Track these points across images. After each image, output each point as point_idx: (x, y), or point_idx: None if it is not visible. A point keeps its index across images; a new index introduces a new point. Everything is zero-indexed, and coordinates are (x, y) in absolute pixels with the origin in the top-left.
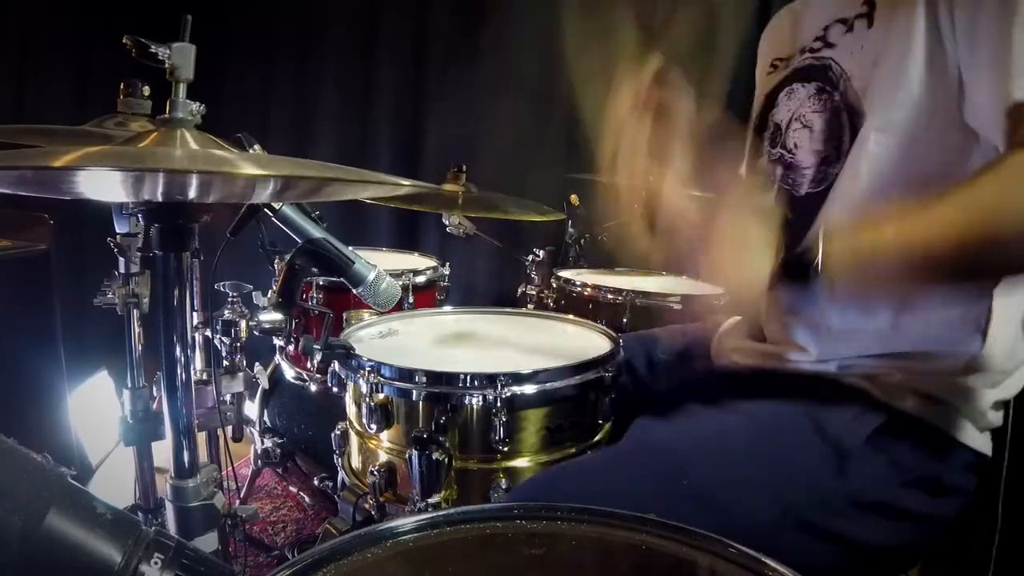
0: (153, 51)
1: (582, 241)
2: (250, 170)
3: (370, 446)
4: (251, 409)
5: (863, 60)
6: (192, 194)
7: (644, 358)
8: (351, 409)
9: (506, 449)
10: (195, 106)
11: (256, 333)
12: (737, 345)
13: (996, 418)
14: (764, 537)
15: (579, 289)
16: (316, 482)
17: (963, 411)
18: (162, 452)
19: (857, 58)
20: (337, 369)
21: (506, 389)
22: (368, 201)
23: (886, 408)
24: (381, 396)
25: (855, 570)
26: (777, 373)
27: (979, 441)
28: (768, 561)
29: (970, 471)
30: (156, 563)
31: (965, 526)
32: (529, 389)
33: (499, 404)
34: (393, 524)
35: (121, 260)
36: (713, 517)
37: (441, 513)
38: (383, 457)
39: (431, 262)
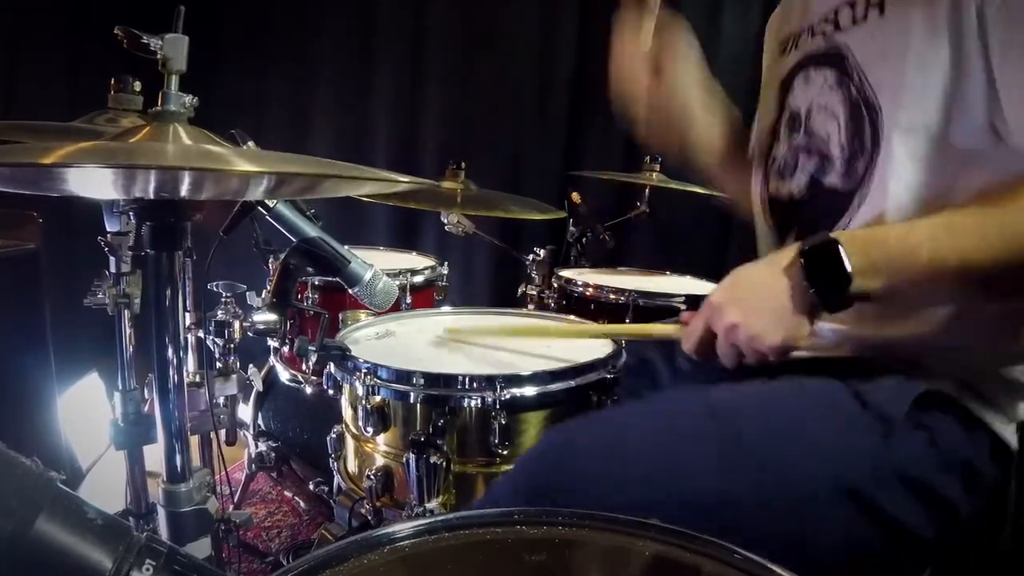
0: (145, 42)
1: (584, 240)
2: (244, 166)
3: (366, 450)
4: (245, 412)
5: (876, 52)
6: (184, 191)
7: (665, 365)
8: (347, 412)
9: (505, 452)
10: (188, 99)
11: (250, 334)
12: None
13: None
14: (810, 502)
15: (580, 289)
16: (311, 486)
17: (995, 400)
18: (154, 456)
19: (871, 49)
20: (333, 371)
21: (505, 391)
22: (365, 199)
23: (927, 382)
24: (378, 398)
25: (887, 558)
26: (804, 359)
27: (1007, 432)
28: (774, 567)
29: (997, 462)
30: (148, 569)
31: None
32: (528, 391)
33: (498, 406)
34: (390, 529)
35: (112, 259)
36: (759, 474)
37: (439, 518)
38: (380, 461)
39: (429, 261)
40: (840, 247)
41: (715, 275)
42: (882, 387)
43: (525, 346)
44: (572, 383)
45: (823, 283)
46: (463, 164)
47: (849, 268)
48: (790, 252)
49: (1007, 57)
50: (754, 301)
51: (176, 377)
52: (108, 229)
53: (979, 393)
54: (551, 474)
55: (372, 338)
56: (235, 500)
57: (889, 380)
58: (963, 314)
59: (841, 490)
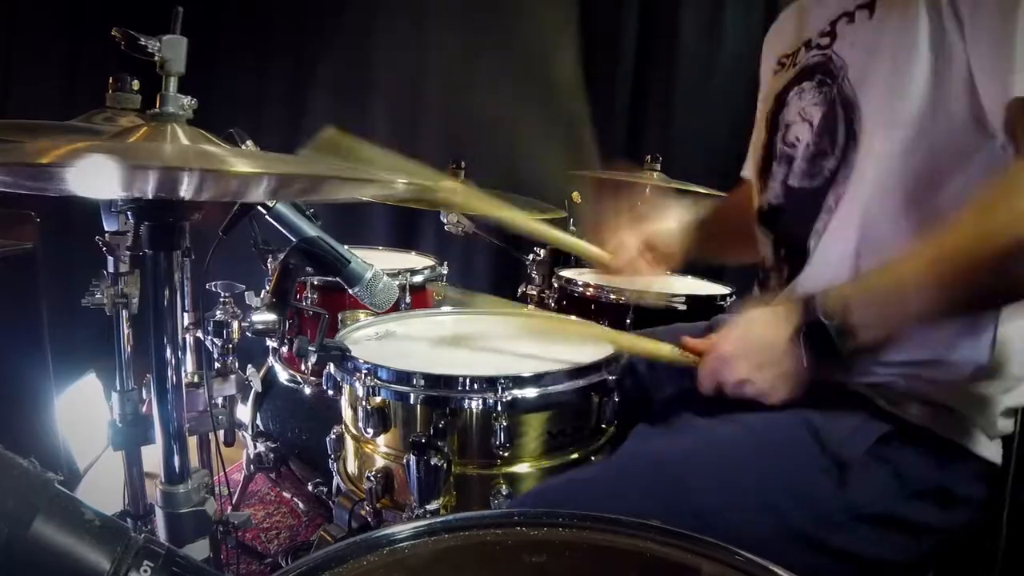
0: (143, 44)
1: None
2: (244, 167)
3: (366, 451)
4: (243, 412)
5: (862, 51)
6: (183, 191)
7: (646, 360)
8: (347, 413)
9: (506, 454)
10: (186, 100)
11: (249, 334)
12: None
13: (1007, 425)
14: (767, 554)
15: (581, 289)
16: (310, 488)
17: (973, 419)
18: (152, 457)
19: (857, 49)
20: (332, 371)
21: (506, 392)
22: (364, 198)
23: (890, 417)
24: (378, 399)
25: None
26: None
27: (989, 450)
28: (775, 569)
29: (980, 480)
30: (146, 571)
31: (976, 536)
32: (530, 392)
33: (499, 408)
34: (390, 531)
35: (110, 259)
36: (715, 532)
37: (439, 520)
38: (380, 462)
39: (429, 261)
40: (830, 329)
41: (716, 275)
42: (844, 426)
43: (526, 347)
44: (574, 384)
45: (820, 354)
46: (463, 163)
47: (840, 341)
48: (795, 319)
49: (977, 39)
50: (762, 360)
51: (174, 377)
52: (106, 229)
53: (954, 415)
54: None
55: (372, 338)
56: (234, 501)
57: (853, 417)
58: (939, 330)
59: (791, 536)
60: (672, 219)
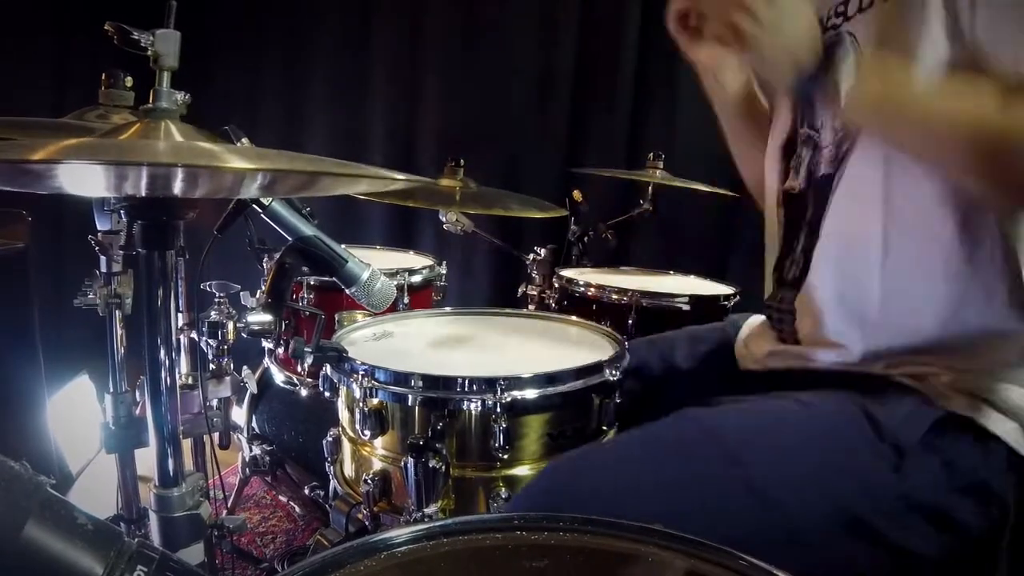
0: (135, 38)
1: (585, 239)
2: (238, 164)
3: (363, 453)
4: (239, 415)
5: (875, 35)
6: (177, 189)
7: (659, 363)
8: (344, 415)
9: (506, 456)
10: (180, 96)
11: (244, 335)
12: (772, 349)
13: None
14: (816, 536)
15: (582, 289)
16: (307, 491)
17: (1012, 412)
18: (146, 460)
19: (871, 31)
20: (329, 373)
21: (506, 394)
22: (361, 197)
23: (939, 407)
24: (375, 401)
25: None
26: (820, 371)
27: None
28: (780, 574)
29: (1013, 474)
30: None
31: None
32: (530, 393)
33: (498, 409)
34: (388, 535)
35: (102, 259)
36: (765, 512)
37: (438, 524)
38: (377, 465)
39: (427, 261)
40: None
41: (720, 275)
42: (897, 412)
43: (526, 346)
44: (574, 385)
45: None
46: (462, 161)
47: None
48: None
49: (998, 15)
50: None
51: (168, 379)
52: (99, 228)
53: (994, 408)
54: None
55: (369, 339)
56: (229, 505)
57: (904, 403)
58: (968, 307)
59: (846, 522)
60: None
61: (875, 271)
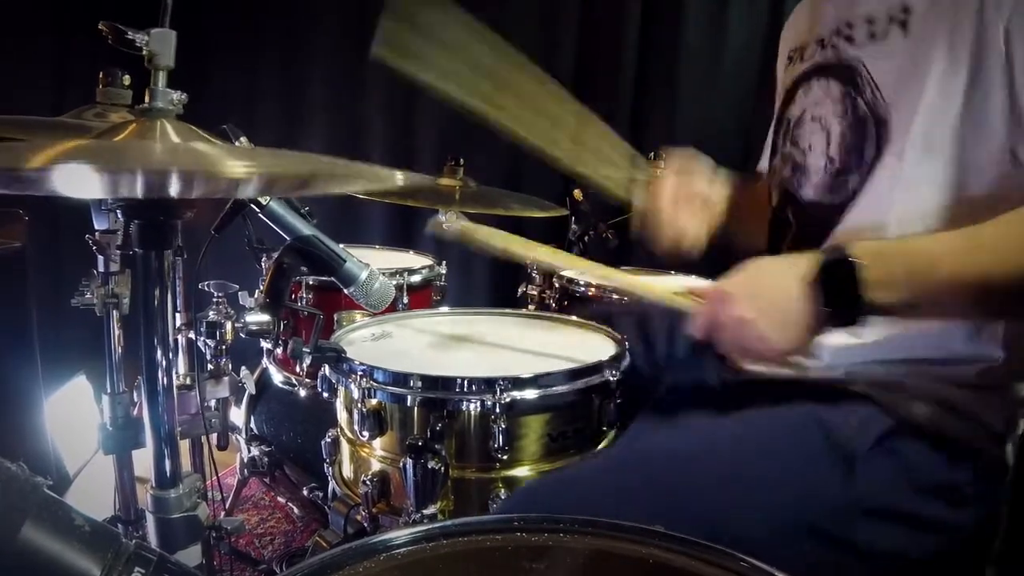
0: (130, 37)
1: (585, 239)
2: (234, 167)
3: (362, 454)
4: (237, 416)
5: (894, 70)
6: (174, 190)
7: (646, 361)
8: (342, 415)
9: (505, 457)
10: (176, 95)
11: (242, 335)
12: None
13: (1017, 423)
14: (772, 548)
15: (583, 289)
16: (305, 492)
17: (980, 417)
18: (143, 461)
19: (888, 66)
20: (327, 373)
21: (505, 394)
22: (360, 196)
23: (896, 414)
24: (374, 402)
25: None
26: (782, 380)
27: (999, 448)
28: (780, 575)
29: (991, 479)
30: None
31: (987, 535)
32: (529, 394)
33: (498, 410)
34: (386, 537)
35: (100, 259)
36: (718, 529)
37: (437, 525)
38: (376, 466)
39: (427, 260)
40: (855, 268)
41: (721, 275)
42: (849, 419)
43: (525, 347)
44: (575, 386)
45: (839, 301)
46: (461, 160)
47: (861, 291)
48: (810, 262)
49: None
50: (769, 303)
51: (166, 380)
52: (96, 227)
53: (961, 415)
54: None
55: (368, 339)
56: (227, 506)
57: (857, 412)
58: (949, 328)
59: (801, 529)
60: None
61: None
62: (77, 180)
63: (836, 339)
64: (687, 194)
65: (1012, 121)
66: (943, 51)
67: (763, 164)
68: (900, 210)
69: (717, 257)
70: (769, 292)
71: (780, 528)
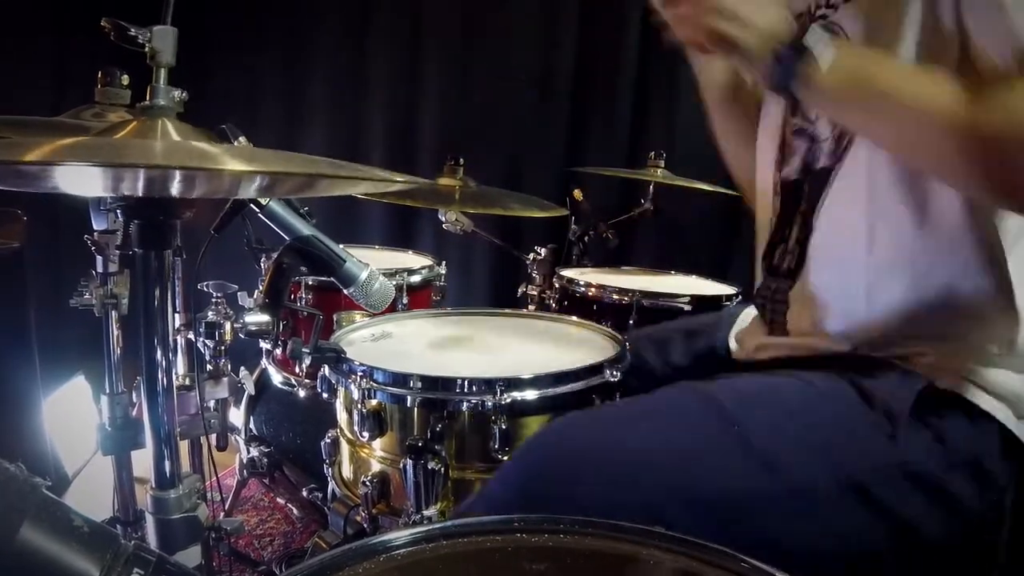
0: (132, 34)
1: (586, 238)
2: (235, 166)
3: (362, 455)
4: (236, 416)
5: (862, 27)
6: (174, 189)
7: (656, 359)
8: (342, 416)
9: (505, 458)
10: (177, 93)
11: (241, 336)
12: (761, 342)
13: None
14: (815, 499)
15: (583, 289)
16: (305, 493)
17: (1001, 394)
18: (142, 462)
19: (857, 25)
20: (327, 374)
21: (505, 395)
22: (360, 196)
23: (924, 382)
24: (374, 402)
25: (897, 554)
26: (810, 356)
27: (1019, 428)
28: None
29: (1009, 461)
30: None
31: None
32: (530, 395)
33: (498, 410)
34: (386, 538)
35: (99, 259)
36: (766, 474)
37: (437, 526)
38: (376, 467)
39: (426, 261)
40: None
41: (721, 275)
42: (885, 383)
43: (526, 347)
44: (575, 386)
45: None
46: (461, 160)
47: (810, 48)
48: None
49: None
50: None
51: (165, 380)
52: (95, 227)
53: (982, 389)
54: (545, 479)
55: (368, 340)
56: (226, 507)
57: (891, 376)
58: (961, 311)
59: (846, 486)
60: None
61: (861, 264)
62: (77, 177)
63: (851, 322)
64: None
65: (967, 64)
66: (897, 10)
67: (761, 140)
68: (874, 170)
69: (717, 257)
70: None
71: (823, 477)
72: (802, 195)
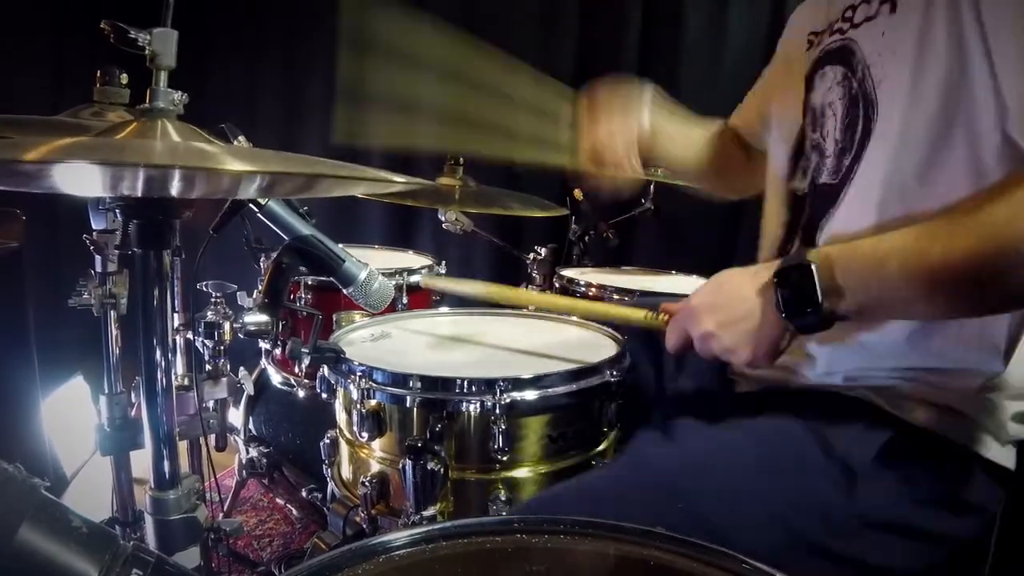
0: (132, 37)
1: (586, 238)
2: (235, 165)
3: (361, 456)
4: (235, 416)
5: (883, 49)
6: (173, 189)
7: (650, 363)
8: (341, 416)
9: (505, 459)
10: (177, 95)
11: (241, 336)
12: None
13: (1020, 430)
14: (777, 564)
15: (583, 289)
16: (304, 494)
17: (983, 424)
18: (141, 462)
19: (878, 46)
20: (326, 374)
21: (505, 395)
22: (360, 196)
23: (895, 421)
24: (373, 402)
25: None
26: (782, 390)
27: (1002, 454)
28: None
29: (994, 486)
30: None
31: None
32: (530, 395)
33: (498, 411)
34: (386, 538)
35: (98, 258)
36: (712, 541)
37: (436, 527)
38: (375, 467)
39: (426, 260)
40: (811, 273)
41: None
42: (849, 430)
43: (526, 347)
44: (575, 386)
45: (794, 307)
46: (461, 160)
47: (819, 297)
48: (771, 270)
49: (999, 37)
50: (730, 314)
51: (164, 380)
52: (94, 227)
53: (963, 419)
54: None
55: (367, 340)
56: (225, 508)
57: (856, 423)
58: (941, 332)
59: (805, 548)
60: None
61: None
62: (77, 176)
63: (833, 346)
64: (613, 105)
65: (1001, 108)
66: (920, 32)
67: (733, 118)
68: (884, 194)
69: (718, 257)
70: (730, 303)
71: (780, 543)
72: (804, 208)
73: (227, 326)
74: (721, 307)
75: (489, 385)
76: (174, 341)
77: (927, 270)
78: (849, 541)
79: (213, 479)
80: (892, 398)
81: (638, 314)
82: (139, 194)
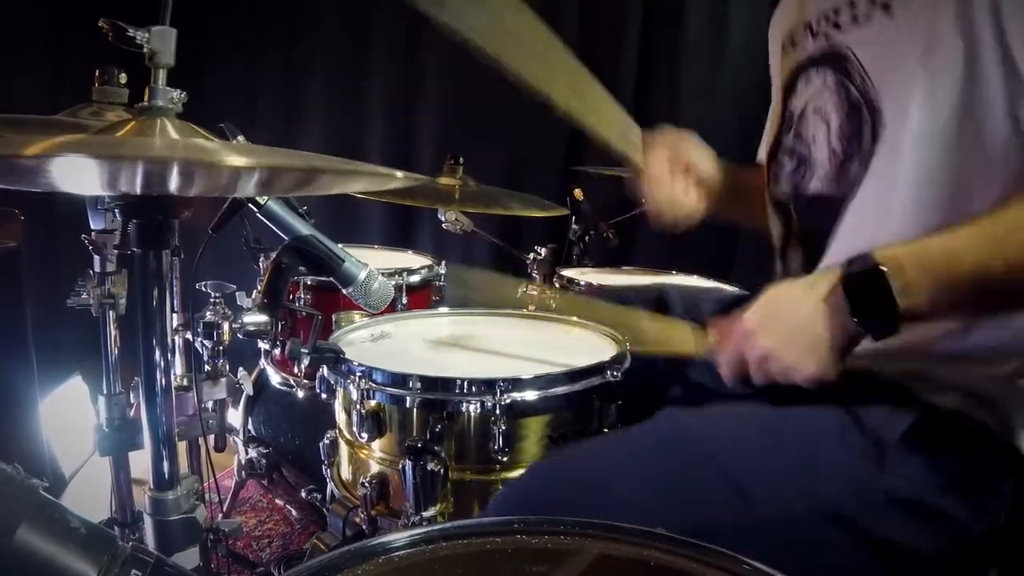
0: (131, 35)
1: (586, 238)
2: (234, 160)
3: (361, 456)
4: (234, 417)
5: (882, 55)
6: (172, 187)
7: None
8: (341, 417)
9: (505, 459)
10: (176, 94)
11: (240, 336)
12: None
13: None
14: (796, 530)
15: (583, 289)
16: (304, 494)
17: (1013, 410)
18: (140, 463)
19: (876, 52)
20: (326, 374)
21: (505, 395)
22: (359, 195)
23: (924, 405)
24: (373, 403)
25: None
26: None
27: None
28: None
29: (1019, 474)
30: None
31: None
32: (530, 395)
33: (498, 411)
34: (385, 539)
35: (96, 258)
36: (744, 506)
37: (436, 527)
38: (375, 468)
39: (426, 260)
40: (884, 275)
41: (723, 275)
42: (879, 410)
43: (526, 347)
44: (575, 387)
45: (869, 313)
46: (461, 159)
47: (895, 297)
48: (830, 278)
49: (1018, 30)
50: (789, 329)
51: (163, 380)
52: (92, 227)
53: (994, 406)
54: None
55: (367, 340)
56: (224, 508)
57: (887, 402)
58: (978, 323)
59: (829, 517)
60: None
61: None
62: (76, 173)
63: None
64: (680, 161)
65: (1011, 91)
66: (929, 31)
67: (761, 155)
68: (902, 201)
69: (718, 257)
70: (789, 319)
71: (805, 510)
72: (790, 215)
73: (226, 326)
74: (780, 323)
75: (489, 385)
76: (173, 341)
77: (1003, 267)
78: (874, 515)
79: (212, 480)
80: (922, 381)
81: (683, 342)
82: (138, 191)
